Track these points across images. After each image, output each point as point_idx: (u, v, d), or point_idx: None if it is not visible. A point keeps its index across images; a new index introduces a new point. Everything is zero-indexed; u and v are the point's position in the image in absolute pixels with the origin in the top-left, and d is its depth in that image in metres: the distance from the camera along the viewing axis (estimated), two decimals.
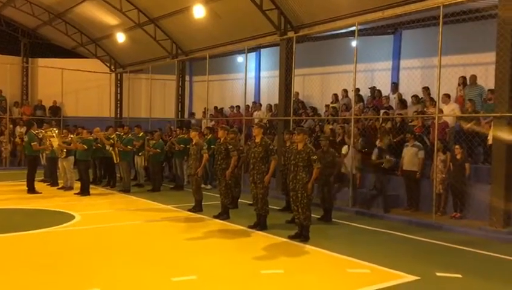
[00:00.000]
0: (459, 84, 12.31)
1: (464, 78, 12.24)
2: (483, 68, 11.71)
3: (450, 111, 11.28)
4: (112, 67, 23.75)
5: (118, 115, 23.44)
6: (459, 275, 6.36)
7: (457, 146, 10.16)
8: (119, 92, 23.66)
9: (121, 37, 19.91)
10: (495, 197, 8.82)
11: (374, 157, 10.91)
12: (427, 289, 5.90)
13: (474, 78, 11.91)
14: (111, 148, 13.65)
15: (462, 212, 10.03)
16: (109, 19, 19.84)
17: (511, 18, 8.53)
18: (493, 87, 9.34)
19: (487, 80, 11.40)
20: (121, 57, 23.09)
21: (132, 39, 20.19)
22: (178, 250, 7.53)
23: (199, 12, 15.30)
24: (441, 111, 10.86)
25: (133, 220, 9.73)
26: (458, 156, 10.03)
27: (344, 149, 11.80)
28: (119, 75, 23.63)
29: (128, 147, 13.59)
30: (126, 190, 13.45)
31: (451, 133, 11.25)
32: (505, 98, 8.67)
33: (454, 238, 8.52)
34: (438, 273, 6.41)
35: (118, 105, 23.63)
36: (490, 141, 9.68)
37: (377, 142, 11.49)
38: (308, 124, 14.86)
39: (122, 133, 14.37)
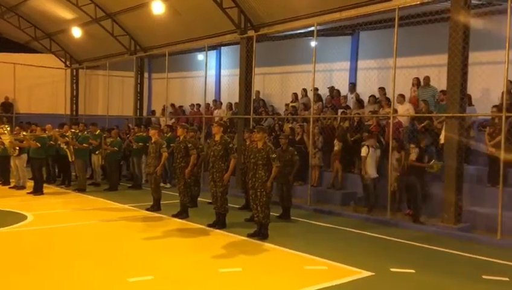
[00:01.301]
0: (413, 85, 12.69)
1: (418, 79, 12.63)
2: (437, 70, 12.11)
3: (404, 111, 11.62)
4: (68, 62, 23.07)
5: (74, 112, 22.80)
6: (413, 271, 6.56)
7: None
8: (75, 88, 23.00)
9: (76, 32, 19.37)
10: (447, 195, 9.14)
11: (413, 158, 9.98)
12: (381, 284, 6.06)
13: (427, 79, 12.31)
14: (66, 146, 13.26)
15: (416, 210, 10.32)
16: (65, 13, 19.25)
17: (462, 21, 8.86)
18: (445, 88, 9.67)
19: (440, 81, 11.79)
20: (77, 53, 22.46)
21: (89, 34, 19.68)
22: (135, 250, 7.40)
23: (158, 8, 15.09)
24: (395, 111, 11.15)
25: (88, 220, 9.50)
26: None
27: (364, 150, 10.53)
28: (74, 71, 22.97)
29: (84, 145, 13.25)
30: (81, 189, 13.12)
31: (405, 132, 11.58)
32: (456, 99, 9.00)
33: (408, 235, 8.78)
34: (392, 269, 6.59)
35: (74, 102, 22.97)
36: (442, 141, 10.02)
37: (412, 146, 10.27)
38: (268, 122, 14.94)
39: (77, 131, 14.00)
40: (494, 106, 10.01)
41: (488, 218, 9.05)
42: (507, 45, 8.36)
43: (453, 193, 9.02)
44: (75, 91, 22.99)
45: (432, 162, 9.80)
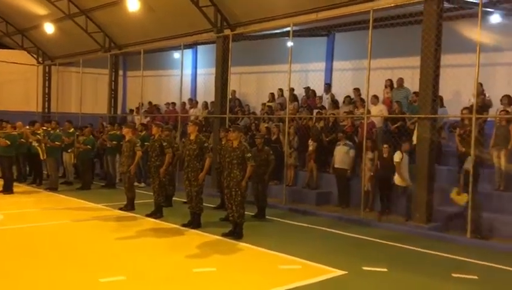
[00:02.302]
0: (386, 86, 12.87)
1: (391, 80, 12.82)
2: (410, 71, 12.30)
3: (378, 112, 11.77)
4: (40, 59, 22.57)
5: (46, 110, 22.33)
6: (385, 269, 6.65)
7: (385, 145, 10.61)
8: (47, 85, 22.53)
9: (49, 28, 18.97)
10: (418, 195, 9.30)
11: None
12: (353, 282, 6.13)
13: (401, 80, 12.50)
14: (37, 144, 12.98)
15: (389, 209, 10.49)
16: (37, 8, 18.83)
17: (434, 24, 9.02)
18: (418, 90, 9.84)
19: (413, 82, 11.98)
20: (50, 49, 22.01)
21: (62, 31, 19.30)
22: (107, 250, 7.30)
23: (133, 5, 14.89)
24: (369, 112, 11.30)
25: (60, 220, 9.32)
26: (385, 155, 10.48)
27: (397, 156, 9.80)
28: (47, 67, 22.49)
29: (56, 142, 13.00)
30: (53, 188, 12.88)
31: (378, 132, 11.74)
32: (428, 100, 9.17)
33: (381, 234, 8.90)
34: (364, 268, 6.67)
35: (46, 99, 22.50)
36: (415, 141, 10.19)
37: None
38: (244, 122, 14.93)
39: (49, 129, 13.72)
40: (465, 108, 10.24)
41: (457, 217, 9.23)
42: (478, 48, 8.55)
43: (424, 192, 9.18)
44: (47, 88, 22.52)
45: (454, 191, 8.98)
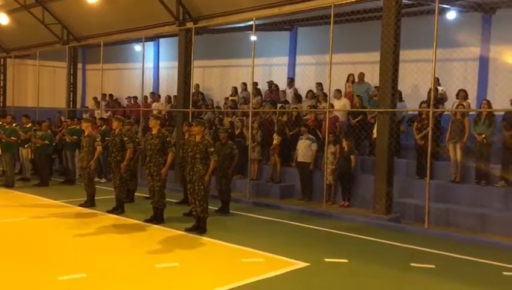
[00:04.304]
0: (347, 81, 13.08)
1: (353, 75, 13.03)
2: (370, 66, 12.54)
3: (341, 106, 11.95)
4: None
5: (1, 104, 21.51)
6: (346, 260, 6.79)
7: (344, 139, 10.80)
8: (2, 78, 21.69)
9: (3, 19, 18.27)
10: (378, 187, 9.52)
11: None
12: (315, 274, 6.22)
13: (362, 75, 12.73)
14: None
15: (350, 201, 10.70)
16: None
17: (393, 20, 9.21)
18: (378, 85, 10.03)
19: (373, 77, 12.23)
20: (5, 41, 21.17)
21: (17, 22, 18.61)
22: (67, 247, 7.12)
23: None
24: (332, 106, 11.45)
25: (16, 217, 9.03)
26: (345, 149, 10.67)
27: None
28: (2, 60, 21.65)
29: (12, 138, 12.56)
30: (9, 185, 12.45)
31: (341, 127, 11.92)
32: (388, 95, 9.37)
33: (343, 226, 9.07)
34: (326, 259, 6.78)
35: (1, 93, 21.67)
36: (375, 135, 10.41)
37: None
38: (208, 116, 14.85)
39: (5, 123, 13.22)
40: (423, 102, 10.53)
41: (416, 209, 9.52)
42: (435, 43, 8.79)
43: (384, 184, 9.39)
44: (2, 81, 21.69)
45: None
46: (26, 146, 13.46)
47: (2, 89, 21.68)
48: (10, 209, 9.76)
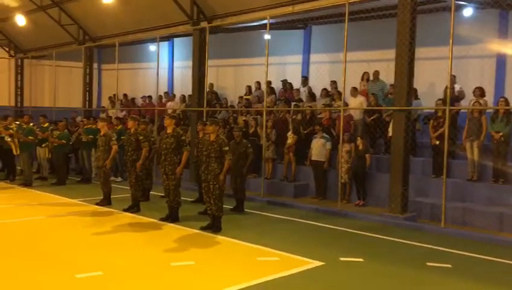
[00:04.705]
0: (362, 79, 13.00)
1: (368, 73, 12.95)
2: (385, 64, 12.44)
3: (358, 104, 11.86)
4: (12, 52, 22.02)
5: (19, 104, 21.83)
6: (361, 259, 6.75)
7: (358, 137, 10.74)
8: (19, 79, 22.01)
9: (21, 20, 18.51)
10: (394, 186, 9.45)
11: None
12: (331, 273, 6.20)
13: (377, 73, 12.64)
14: (10, 139, 12.70)
15: (365, 200, 10.64)
16: (8, 0, 18.32)
17: (409, 18, 9.13)
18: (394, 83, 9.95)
19: (388, 75, 12.13)
20: (22, 42, 21.48)
21: (34, 23, 18.86)
22: (84, 245, 7.21)
23: None
24: (346, 104, 11.38)
25: (35, 216, 9.16)
26: (360, 147, 10.61)
27: None
28: (19, 61, 21.97)
29: (30, 137, 12.74)
30: (27, 184, 12.64)
31: (357, 125, 11.85)
32: (403, 93, 9.28)
33: (358, 225, 9.03)
34: (341, 258, 6.76)
35: (19, 93, 21.99)
36: (390, 133, 10.34)
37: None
38: (222, 115, 14.89)
39: (23, 123, 13.43)
40: (439, 99, 10.42)
41: (432, 207, 9.43)
42: (451, 40, 8.69)
43: (400, 183, 9.32)
44: (19, 82, 22.00)
45: None
46: (43, 145, 13.65)
47: (19, 90, 21.99)
48: (29, 208, 9.91)
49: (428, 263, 6.69)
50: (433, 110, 10.71)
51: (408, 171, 9.51)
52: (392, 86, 10.67)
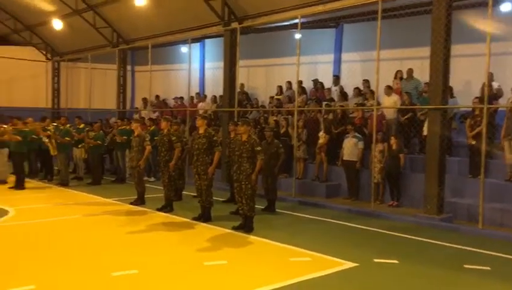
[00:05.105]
0: (395, 78, 12.78)
1: (401, 71, 12.72)
2: (419, 62, 12.20)
3: (392, 103, 11.66)
4: (49, 55, 22.69)
5: (55, 106, 22.46)
6: (396, 261, 6.63)
7: (392, 137, 10.56)
8: (56, 81, 22.65)
9: (57, 24, 19.04)
10: (429, 186, 9.25)
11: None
12: (365, 275, 6.11)
13: (410, 71, 12.40)
14: (47, 140, 13.08)
15: (399, 201, 10.45)
16: (45, 4, 18.89)
17: (444, 14, 8.92)
18: (428, 81, 9.75)
19: (422, 73, 11.90)
20: (58, 45, 22.10)
21: (70, 26, 19.36)
22: (119, 244, 7.35)
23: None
24: (379, 103, 11.21)
25: (71, 215, 9.39)
26: (393, 147, 10.43)
27: None
28: (56, 63, 22.61)
29: (66, 138, 13.08)
30: (64, 183, 12.98)
31: (390, 124, 11.66)
32: (439, 91, 9.08)
33: (391, 226, 8.88)
34: (375, 260, 6.66)
35: (55, 95, 22.63)
36: (425, 132, 10.12)
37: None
38: (253, 115, 14.92)
39: (60, 125, 13.81)
40: (476, 98, 10.14)
41: (469, 208, 9.19)
42: (488, 37, 8.45)
43: (436, 184, 9.12)
44: (56, 84, 22.64)
45: None
46: (79, 146, 13.98)
47: (56, 92, 22.63)
48: (65, 207, 10.17)
49: (465, 265, 6.52)
50: (470, 109, 10.43)
51: (444, 171, 9.30)
52: (427, 84, 10.45)
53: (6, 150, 12.81)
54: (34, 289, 5.24)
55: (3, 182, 12.81)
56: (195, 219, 8.96)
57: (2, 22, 21.05)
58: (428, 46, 9.30)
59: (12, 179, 12.49)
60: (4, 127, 12.72)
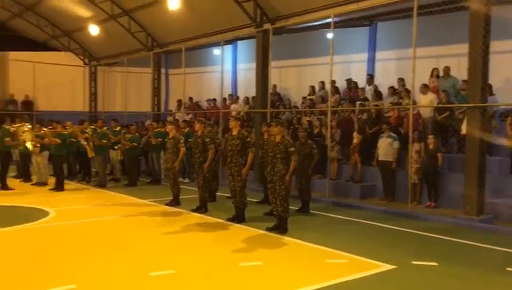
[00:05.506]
0: (432, 76, 12.50)
1: (437, 69, 12.43)
2: (456, 60, 11.90)
3: (428, 101, 11.41)
4: (86, 60, 23.30)
5: (93, 109, 23.05)
6: (435, 263, 6.48)
7: (430, 136, 10.33)
8: (93, 85, 23.24)
9: (94, 30, 19.50)
10: (468, 186, 8.99)
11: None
12: (404, 277, 6.00)
13: (447, 69, 12.11)
14: (85, 143, 13.42)
15: (437, 202, 10.21)
16: (82, 10, 19.41)
17: (482, 10, 8.66)
18: (466, 78, 9.49)
19: (460, 71, 11.60)
20: (95, 50, 22.65)
21: (106, 31, 19.81)
22: (156, 244, 7.46)
23: (174, 4, 15.10)
24: (414, 102, 10.99)
25: (109, 215, 9.60)
26: (431, 146, 10.20)
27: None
28: (93, 68, 23.20)
29: (103, 141, 13.39)
30: (102, 185, 13.27)
31: (427, 123, 11.41)
32: (477, 89, 8.83)
33: (429, 227, 8.68)
34: (414, 262, 6.52)
35: (93, 99, 23.23)
36: (463, 131, 9.86)
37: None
38: (286, 116, 14.89)
39: (97, 128, 14.15)
40: None
41: (511, 209, 8.89)
42: None
43: (475, 184, 8.86)
44: (93, 88, 23.22)
45: None
46: (116, 148, 14.29)
47: (93, 96, 23.22)
48: (104, 208, 10.40)
49: (508, 268, 6.31)
50: (511, 107, 10.08)
51: (484, 171, 9.03)
52: (465, 82, 10.18)
53: (46, 153, 13.21)
54: (76, 288, 5.38)
55: (44, 184, 13.22)
56: (229, 219, 9.00)
57: (41, 28, 21.73)
58: (466, 43, 9.05)
59: (52, 181, 12.87)
60: (44, 131, 13.13)
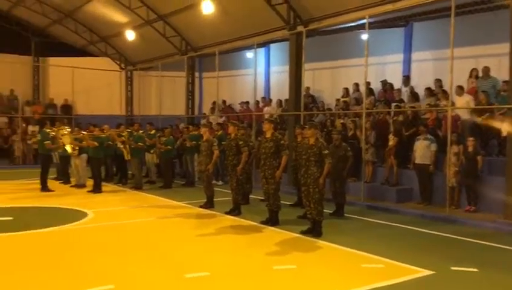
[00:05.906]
0: (470, 76, 12.16)
1: (476, 70, 12.09)
2: (496, 60, 11.54)
3: (464, 103, 11.11)
4: (122, 65, 23.83)
5: (129, 113, 23.54)
6: (475, 269, 6.28)
7: (470, 138, 10.04)
8: (129, 89, 23.76)
9: (130, 35, 19.94)
10: (509, 190, 8.69)
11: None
12: (443, 283, 5.84)
13: (487, 69, 11.75)
14: (122, 146, 13.71)
15: (476, 206, 9.92)
16: (118, 16, 19.88)
17: None
18: (507, 79, 9.19)
19: (500, 71, 11.24)
20: (131, 55, 23.15)
21: (141, 36, 20.22)
22: (190, 246, 7.53)
23: (208, 8, 15.27)
24: (453, 103, 10.72)
25: (145, 217, 9.77)
26: (470, 149, 9.92)
27: None
28: (129, 72, 23.71)
29: (139, 144, 13.63)
30: (138, 187, 13.51)
31: (465, 125, 11.11)
32: None
33: (469, 232, 8.43)
34: (453, 268, 6.34)
35: (129, 103, 23.73)
36: (504, 133, 9.54)
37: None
38: (319, 118, 14.78)
39: (133, 131, 14.42)
40: None
41: None
42: None
43: None
44: (129, 92, 23.73)
45: None
46: (151, 151, 14.53)
47: (129, 99, 23.72)
48: (139, 210, 10.59)
49: None
50: None
51: None
52: (506, 82, 9.85)
53: (85, 156, 13.56)
54: (113, 289, 5.49)
55: (83, 185, 13.57)
56: (262, 222, 9.00)
57: (80, 34, 22.38)
58: (506, 42, 8.77)
59: (90, 183, 13.20)
60: (83, 134, 13.49)
